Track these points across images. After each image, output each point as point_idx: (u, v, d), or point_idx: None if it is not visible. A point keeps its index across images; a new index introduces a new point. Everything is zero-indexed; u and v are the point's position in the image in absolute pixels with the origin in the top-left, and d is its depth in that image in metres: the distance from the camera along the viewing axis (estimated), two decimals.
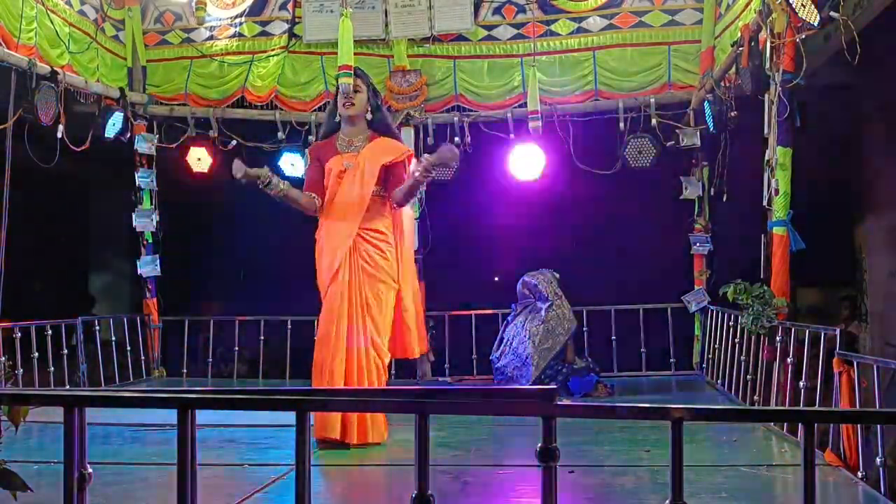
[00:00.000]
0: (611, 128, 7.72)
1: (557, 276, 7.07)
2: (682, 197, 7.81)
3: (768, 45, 5.34)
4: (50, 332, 6.64)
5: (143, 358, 7.93)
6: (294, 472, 1.66)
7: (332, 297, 4.64)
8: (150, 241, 8.07)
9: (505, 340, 7.05)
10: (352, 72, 4.91)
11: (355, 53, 5.62)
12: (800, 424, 1.69)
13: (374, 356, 4.63)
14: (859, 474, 3.85)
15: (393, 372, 7.88)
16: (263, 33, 8.06)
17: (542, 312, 6.83)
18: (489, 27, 7.96)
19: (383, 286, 4.70)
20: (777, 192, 5.36)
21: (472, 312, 8.14)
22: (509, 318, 7.18)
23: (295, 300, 7.37)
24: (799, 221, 5.36)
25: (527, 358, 6.67)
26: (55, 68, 6.64)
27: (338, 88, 4.94)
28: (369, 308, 4.64)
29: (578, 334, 7.33)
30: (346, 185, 4.76)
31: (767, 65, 5.39)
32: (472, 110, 7.97)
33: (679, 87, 7.68)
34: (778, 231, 5.39)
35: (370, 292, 4.65)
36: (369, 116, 4.91)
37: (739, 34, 5.92)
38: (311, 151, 5.05)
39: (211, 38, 8.12)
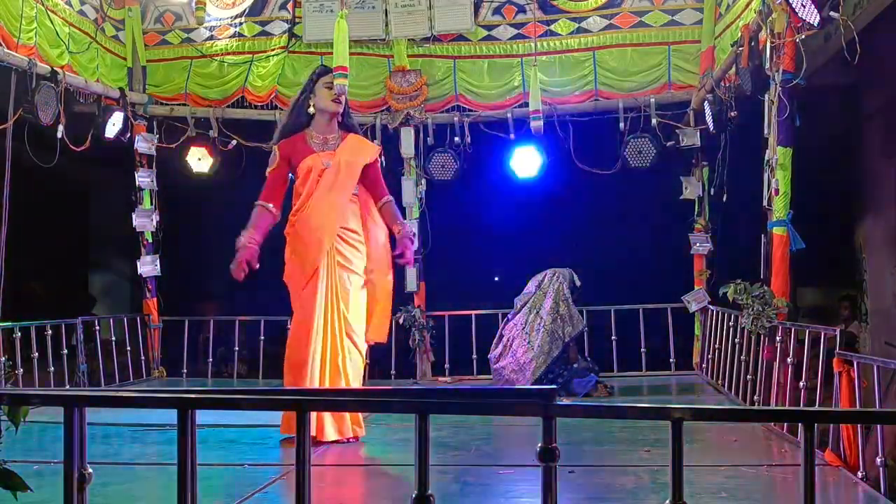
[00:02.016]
0: (611, 128, 7.72)
1: (579, 283, 7.01)
2: (682, 197, 7.81)
3: (768, 45, 5.34)
4: (50, 332, 6.64)
5: (143, 358, 7.93)
6: (294, 472, 1.66)
7: (309, 296, 4.65)
8: (150, 241, 8.07)
9: (504, 340, 6.97)
10: (347, 73, 4.93)
11: (356, 53, 5.62)
12: (800, 424, 1.69)
13: (350, 347, 4.69)
14: (859, 474, 3.85)
15: (393, 372, 7.89)
16: (263, 33, 8.06)
17: (544, 314, 6.77)
18: (489, 27, 7.96)
19: (357, 279, 4.78)
20: (777, 192, 5.36)
21: (472, 312, 8.13)
22: (510, 316, 7.10)
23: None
24: (799, 221, 5.36)
25: (524, 364, 6.62)
26: (55, 68, 6.64)
27: (310, 85, 4.90)
28: (347, 305, 4.71)
29: (580, 335, 7.31)
30: (325, 185, 4.76)
31: (767, 65, 5.39)
32: (472, 110, 7.97)
33: (679, 87, 7.68)
34: (778, 231, 5.39)
35: (347, 289, 4.72)
36: (341, 118, 4.98)
37: (739, 34, 5.92)
38: (282, 150, 4.83)
39: (211, 38, 8.12)
